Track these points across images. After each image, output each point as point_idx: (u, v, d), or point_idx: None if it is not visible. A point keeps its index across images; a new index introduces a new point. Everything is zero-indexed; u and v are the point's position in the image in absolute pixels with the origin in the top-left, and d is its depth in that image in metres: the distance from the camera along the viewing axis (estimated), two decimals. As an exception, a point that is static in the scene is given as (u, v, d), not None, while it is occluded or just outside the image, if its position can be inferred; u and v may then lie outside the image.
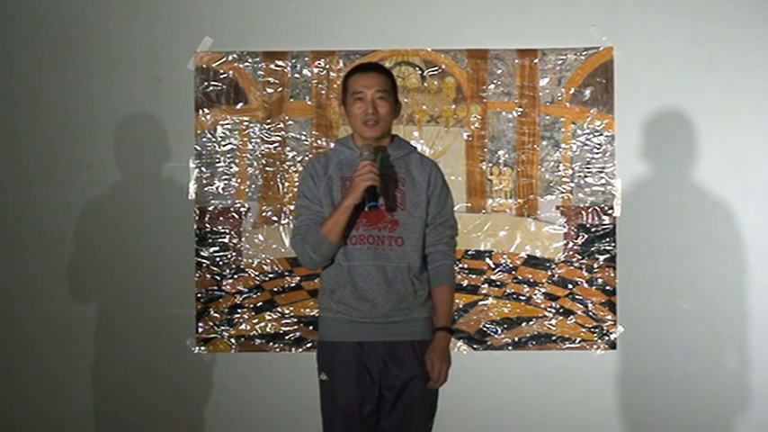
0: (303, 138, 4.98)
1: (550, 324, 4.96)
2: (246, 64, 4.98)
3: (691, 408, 4.93)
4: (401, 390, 3.46)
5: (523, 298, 4.96)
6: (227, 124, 4.98)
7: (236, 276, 4.96)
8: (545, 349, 4.96)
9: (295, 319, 4.96)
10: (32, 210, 5.00)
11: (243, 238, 4.96)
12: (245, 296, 4.96)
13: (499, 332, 4.96)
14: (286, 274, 4.96)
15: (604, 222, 4.95)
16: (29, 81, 5.01)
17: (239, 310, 4.96)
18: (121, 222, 4.98)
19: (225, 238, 4.96)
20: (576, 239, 4.95)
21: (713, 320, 4.94)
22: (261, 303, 4.96)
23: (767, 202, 4.94)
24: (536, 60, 4.96)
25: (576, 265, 4.95)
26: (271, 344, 4.96)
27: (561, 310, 4.95)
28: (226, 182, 4.98)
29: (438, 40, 4.97)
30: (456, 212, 3.64)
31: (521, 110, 4.97)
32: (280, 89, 4.98)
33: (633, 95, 4.94)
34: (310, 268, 3.56)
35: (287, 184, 4.98)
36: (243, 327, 4.97)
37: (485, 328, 4.96)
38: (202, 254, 4.96)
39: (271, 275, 4.96)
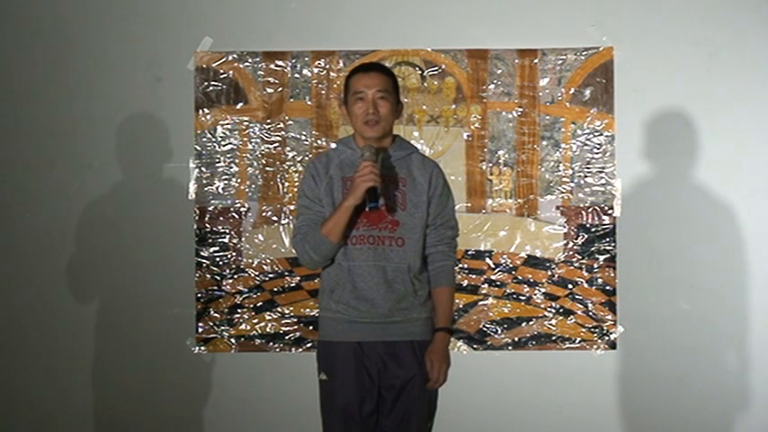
0: (303, 138, 4.98)
1: (550, 324, 4.96)
2: (246, 64, 4.98)
3: (691, 408, 4.93)
4: (400, 390, 3.47)
5: (523, 298, 4.96)
6: (227, 124, 4.98)
7: (236, 276, 4.96)
8: (545, 349, 4.96)
9: (295, 319, 4.96)
10: (32, 210, 5.00)
11: (243, 238, 4.96)
12: (245, 296, 4.96)
13: (499, 332, 4.96)
14: (286, 274, 4.96)
15: (604, 222, 4.95)
16: (29, 81, 5.00)
17: (239, 310, 4.96)
18: (121, 222, 4.98)
19: (225, 238, 4.96)
20: (576, 239, 4.95)
21: (713, 320, 4.94)
22: (261, 303, 4.96)
23: (767, 201, 4.94)
24: (536, 60, 4.96)
25: (575, 265, 4.95)
26: (271, 344, 4.96)
27: (561, 310, 4.95)
28: (226, 182, 4.98)
29: (438, 40, 4.97)
30: (456, 212, 3.64)
31: (521, 110, 4.97)
32: (280, 89, 4.98)
33: (633, 95, 4.94)
34: (310, 268, 3.56)
35: (287, 184, 4.98)
36: (243, 327, 4.97)
37: (485, 328, 4.96)
38: (202, 254, 4.96)
39: (271, 275, 4.96)
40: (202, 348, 4.97)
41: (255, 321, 4.97)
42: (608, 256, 4.94)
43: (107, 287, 4.98)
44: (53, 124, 5.00)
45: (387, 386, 3.47)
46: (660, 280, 4.94)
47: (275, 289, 4.96)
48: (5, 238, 5.00)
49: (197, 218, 4.97)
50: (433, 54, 4.99)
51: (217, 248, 4.96)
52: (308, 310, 4.95)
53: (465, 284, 4.93)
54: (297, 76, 4.98)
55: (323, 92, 4.98)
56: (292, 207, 4.92)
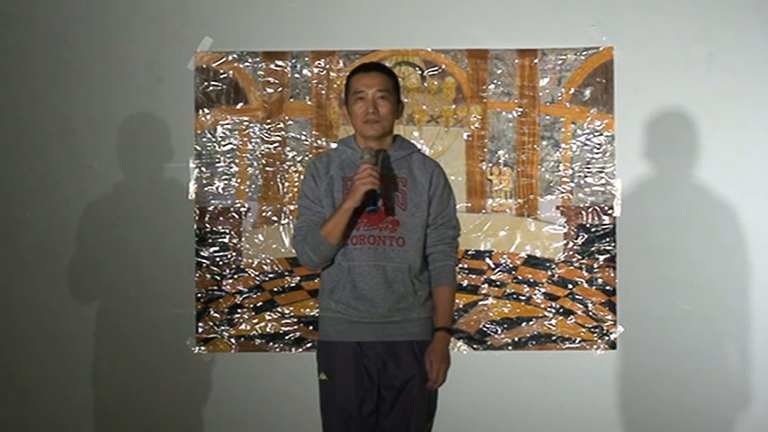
0: (303, 138, 4.98)
1: (550, 324, 4.96)
2: (246, 64, 4.98)
3: (691, 408, 4.92)
4: (400, 390, 3.46)
5: (523, 298, 4.96)
6: (227, 124, 4.98)
7: (236, 276, 4.96)
8: (545, 349, 4.96)
9: (295, 319, 4.96)
10: (32, 210, 5.00)
11: (243, 238, 4.96)
12: (245, 296, 4.96)
13: (499, 332, 4.96)
14: (286, 274, 4.96)
15: (604, 222, 4.95)
16: (29, 81, 5.00)
17: (239, 310, 4.96)
18: (121, 222, 4.98)
19: (225, 238, 4.96)
20: (576, 239, 4.95)
21: (713, 320, 4.94)
22: (261, 303, 4.96)
23: (767, 201, 4.94)
24: (536, 60, 4.96)
25: (576, 265, 4.95)
26: (271, 344, 4.96)
27: (561, 310, 4.95)
28: (226, 182, 4.98)
29: (438, 40, 4.97)
30: (457, 212, 3.64)
31: (521, 110, 4.97)
32: (280, 89, 4.98)
33: (633, 95, 4.94)
34: (310, 269, 3.57)
35: (287, 184, 4.98)
36: (243, 327, 4.97)
37: (485, 328, 4.96)
38: (202, 254, 4.96)
39: (271, 275, 4.96)
40: (202, 348, 4.97)
41: (255, 321, 4.97)
42: (608, 256, 4.94)
43: (107, 287, 4.98)
44: (53, 124, 5.00)
45: (386, 386, 3.47)
46: (660, 280, 4.94)
47: (275, 289, 4.96)
48: (5, 238, 5.00)
49: (197, 218, 4.97)
50: (433, 54, 4.99)
51: (217, 248, 4.96)
52: (308, 310, 4.95)
53: (465, 284, 4.93)
54: (297, 76, 4.98)
55: (323, 92, 4.98)
56: (292, 207, 4.92)
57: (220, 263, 4.96)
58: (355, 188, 3.37)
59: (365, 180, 3.36)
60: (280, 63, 4.98)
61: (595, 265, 4.94)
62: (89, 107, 4.99)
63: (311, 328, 4.91)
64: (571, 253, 4.95)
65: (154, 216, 4.98)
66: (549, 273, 4.95)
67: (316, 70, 4.98)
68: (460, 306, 4.92)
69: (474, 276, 4.96)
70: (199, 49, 4.97)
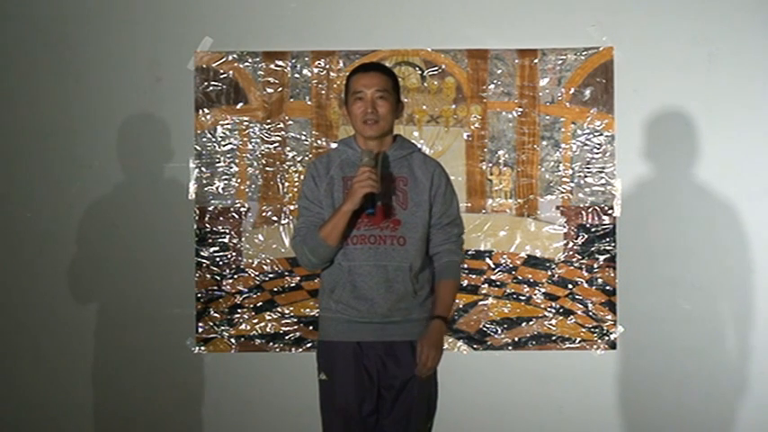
0: (303, 138, 4.98)
1: (550, 324, 4.96)
2: (246, 64, 4.98)
3: (691, 407, 4.92)
4: (400, 390, 3.46)
5: (523, 298, 4.96)
6: (227, 124, 4.98)
7: (236, 276, 4.96)
8: (545, 349, 4.96)
9: (295, 319, 4.96)
10: (32, 210, 5.00)
11: (243, 238, 4.96)
12: (245, 296, 4.96)
13: (499, 332, 4.96)
14: (286, 274, 4.96)
15: (604, 222, 4.95)
16: (29, 81, 5.00)
17: (239, 310, 4.96)
18: (122, 222, 4.98)
19: (225, 238, 4.96)
20: (576, 239, 4.95)
21: (713, 320, 4.94)
22: (261, 303, 4.96)
23: (767, 201, 4.94)
24: (536, 60, 4.96)
25: (576, 265, 4.95)
26: (271, 344, 4.96)
27: (561, 310, 4.95)
28: (226, 182, 4.98)
29: (438, 40, 4.97)
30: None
31: (521, 110, 4.97)
32: (280, 89, 4.98)
33: (633, 95, 4.94)
34: (309, 270, 3.57)
35: (287, 184, 4.98)
36: (243, 327, 4.97)
37: (485, 328, 4.96)
38: (202, 254, 4.96)
39: (271, 275, 4.96)
40: (202, 348, 4.97)
41: (255, 321, 4.97)
42: (608, 256, 4.94)
43: (107, 287, 4.98)
44: (53, 124, 5.00)
45: (386, 386, 3.47)
46: (660, 280, 4.94)
47: (275, 289, 4.96)
48: (6, 238, 5.00)
49: (197, 218, 4.97)
50: (433, 54, 4.99)
51: (217, 248, 4.96)
52: (307, 310, 4.95)
53: (465, 284, 4.93)
54: (297, 76, 4.98)
55: (323, 92, 4.98)
56: (292, 207, 4.92)
57: (220, 263, 4.96)
58: (354, 191, 3.37)
59: (363, 183, 3.36)
60: (280, 63, 4.98)
61: (595, 265, 4.94)
62: (89, 107, 4.99)
63: (311, 328, 4.91)
64: (571, 253, 4.95)
65: (154, 216, 4.98)
66: (549, 273, 4.95)
67: (316, 70, 4.98)
68: (460, 306, 4.93)
69: (474, 276, 4.96)
70: (199, 49, 4.97)
